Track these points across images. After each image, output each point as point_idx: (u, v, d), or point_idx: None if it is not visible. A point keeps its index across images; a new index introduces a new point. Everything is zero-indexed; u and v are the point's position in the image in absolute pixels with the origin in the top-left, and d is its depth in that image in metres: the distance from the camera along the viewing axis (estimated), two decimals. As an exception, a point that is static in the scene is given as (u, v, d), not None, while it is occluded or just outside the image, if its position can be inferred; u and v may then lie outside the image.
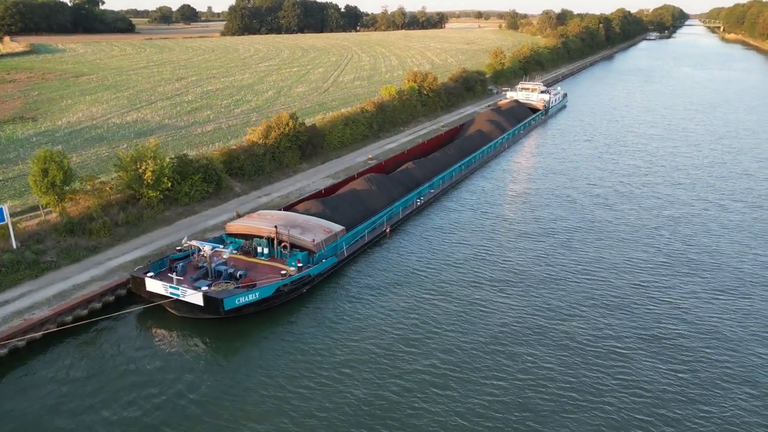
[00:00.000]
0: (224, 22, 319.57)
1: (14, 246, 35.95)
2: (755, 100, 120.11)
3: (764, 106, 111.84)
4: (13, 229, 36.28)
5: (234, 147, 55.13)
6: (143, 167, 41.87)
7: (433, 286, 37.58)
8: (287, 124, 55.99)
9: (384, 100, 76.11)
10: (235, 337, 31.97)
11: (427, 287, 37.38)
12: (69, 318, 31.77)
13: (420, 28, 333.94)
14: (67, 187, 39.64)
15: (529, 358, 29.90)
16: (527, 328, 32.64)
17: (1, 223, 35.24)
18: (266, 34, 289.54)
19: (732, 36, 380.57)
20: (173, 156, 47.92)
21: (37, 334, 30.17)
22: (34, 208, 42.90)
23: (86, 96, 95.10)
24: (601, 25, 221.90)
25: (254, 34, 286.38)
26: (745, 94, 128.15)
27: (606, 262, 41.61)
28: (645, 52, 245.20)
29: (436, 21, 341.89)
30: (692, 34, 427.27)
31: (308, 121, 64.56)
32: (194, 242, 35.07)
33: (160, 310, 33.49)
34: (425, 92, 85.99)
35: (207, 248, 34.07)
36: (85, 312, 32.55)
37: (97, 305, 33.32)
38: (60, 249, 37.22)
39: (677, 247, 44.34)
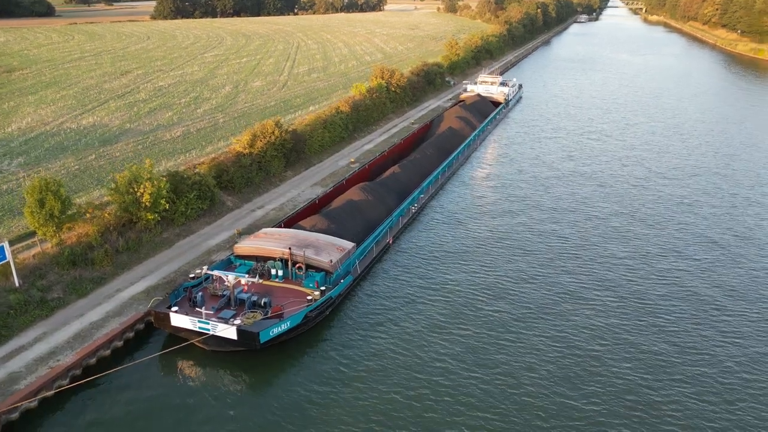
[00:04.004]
0: (152, 3, 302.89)
1: (17, 284, 33.81)
2: (691, 87, 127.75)
3: (703, 94, 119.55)
4: (15, 266, 34.06)
5: (220, 158, 53.49)
6: (141, 190, 40.11)
7: (447, 303, 38.32)
8: (273, 132, 54.83)
9: (356, 99, 75.65)
10: (266, 368, 31.72)
11: (443, 304, 38.13)
12: (93, 360, 30.51)
13: (359, 11, 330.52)
14: (64, 216, 37.36)
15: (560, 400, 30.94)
16: (554, 356, 34.12)
17: (3, 261, 32.98)
18: (201, 17, 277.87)
19: (654, 18, 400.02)
20: (164, 174, 46.04)
21: (64, 382, 28.80)
22: (21, 237, 40.27)
23: (27, 96, 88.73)
24: (539, 10, 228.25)
25: (188, 17, 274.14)
26: (682, 81, 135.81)
27: (621, 273, 43.61)
28: (579, 37, 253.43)
29: (375, 4, 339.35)
30: (617, 16, 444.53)
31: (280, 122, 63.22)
32: (216, 272, 34.21)
33: (185, 343, 32.60)
34: (392, 89, 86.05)
35: (231, 278, 33.41)
36: (108, 352, 31.32)
37: (119, 343, 32.10)
38: (65, 283, 35.31)
39: (673, 250, 47.41)
